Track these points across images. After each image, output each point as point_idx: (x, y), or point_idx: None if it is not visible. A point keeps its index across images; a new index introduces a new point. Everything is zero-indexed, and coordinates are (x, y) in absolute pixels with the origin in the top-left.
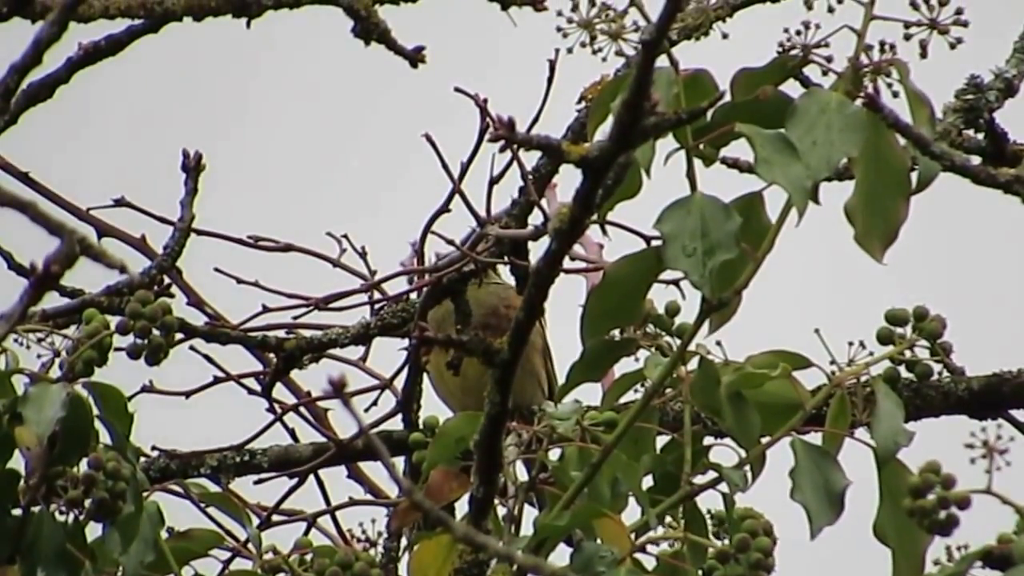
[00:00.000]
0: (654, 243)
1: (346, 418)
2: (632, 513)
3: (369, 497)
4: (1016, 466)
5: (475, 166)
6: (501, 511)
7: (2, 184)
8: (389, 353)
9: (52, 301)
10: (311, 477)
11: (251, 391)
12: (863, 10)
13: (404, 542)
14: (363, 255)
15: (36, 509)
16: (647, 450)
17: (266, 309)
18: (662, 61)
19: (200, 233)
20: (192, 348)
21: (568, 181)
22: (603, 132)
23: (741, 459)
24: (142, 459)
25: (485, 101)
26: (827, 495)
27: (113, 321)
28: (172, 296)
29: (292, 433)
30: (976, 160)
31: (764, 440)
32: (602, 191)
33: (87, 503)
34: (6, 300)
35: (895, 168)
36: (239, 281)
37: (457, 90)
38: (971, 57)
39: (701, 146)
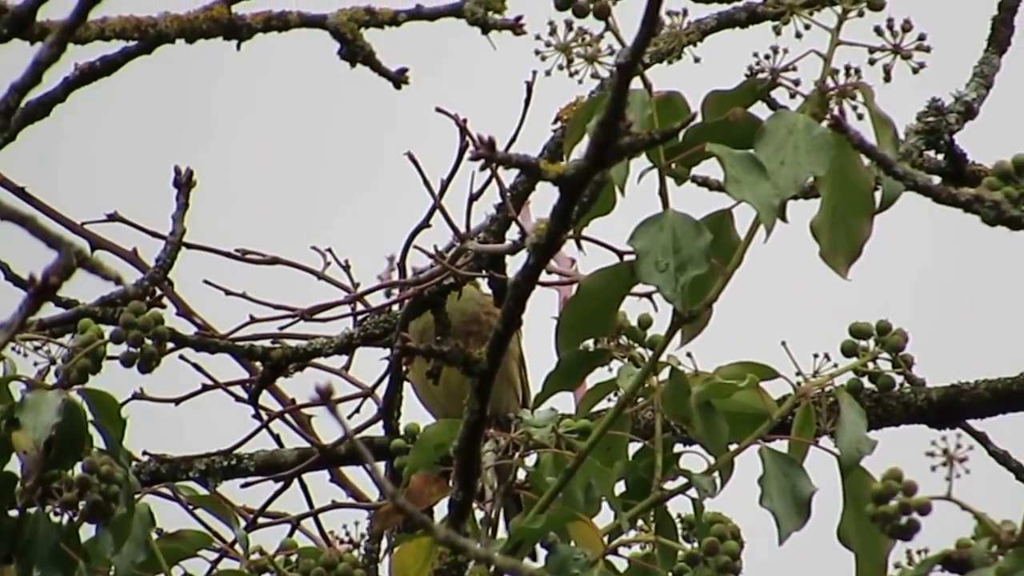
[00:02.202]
0: (627, 258)
1: (330, 424)
2: (605, 517)
3: (351, 500)
4: (974, 474)
5: (455, 183)
6: (479, 514)
7: (1, 199)
8: (371, 362)
9: (48, 311)
10: (295, 481)
11: (238, 398)
12: (829, 36)
13: (385, 544)
14: (346, 268)
15: (32, 511)
16: (620, 456)
17: (253, 320)
18: (636, 83)
19: (190, 247)
20: (182, 357)
21: (544, 198)
22: (579, 151)
23: (710, 466)
24: (134, 463)
25: (465, 121)
26: (794, 501)
27: (107, 331)
28: (163, 307)
29: (277, 439)
30: (937, 180)
31: (732, 448)
32: (578, 208)
33: (81, 505)
34: (4, 310)
35: (859, 187)
36: (227, 293)
37: (439, 110)
38: (933, 81)
39: (673, 165)
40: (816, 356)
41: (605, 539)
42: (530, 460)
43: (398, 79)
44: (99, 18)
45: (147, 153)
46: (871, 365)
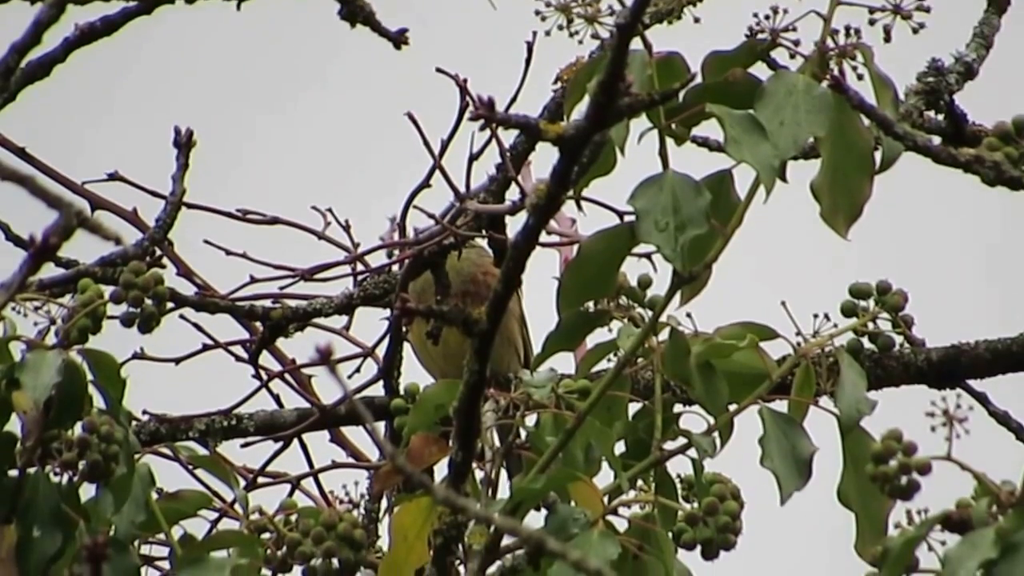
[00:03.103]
0: (628, 219)
1: (329, 384)
2: (605, 477)
3: (351, 460)
4: (974, 434)
5: (455, 144)
6: (479, 475)
7: (1, 159)
8: (371, 322)
9: (48, 271)
10: (295, 441)
11: (238, 358)
12: None
13: (385, 504)
14: (347, 228)
15: (32, 471)
16: (619, 417)
17: (253, 280)
18: (636, 44)
19: (190, 206)
20: (182, 317)
21: (544, 159)
22: (579, 112)
23: (710, 426)
24: (133, 423)
25: (465, 81)
26: (795, 461)
27: (107, 291)
28: (163, 267)
29: (277, 399)
30: (937, 140)
31: (732, 408)
32: (578, 168)
33: (81, 465)
34: (5, 270)
35: (859, 148)
36: (228, 253)
37: (439, 71)
38: (932, 41)
39: (673, 126)
40: (816, 316)
41: (605, 499)
42: (530, 420)
43: (398, 39)
44: None
45: (147, 113)
46: (871, 325)
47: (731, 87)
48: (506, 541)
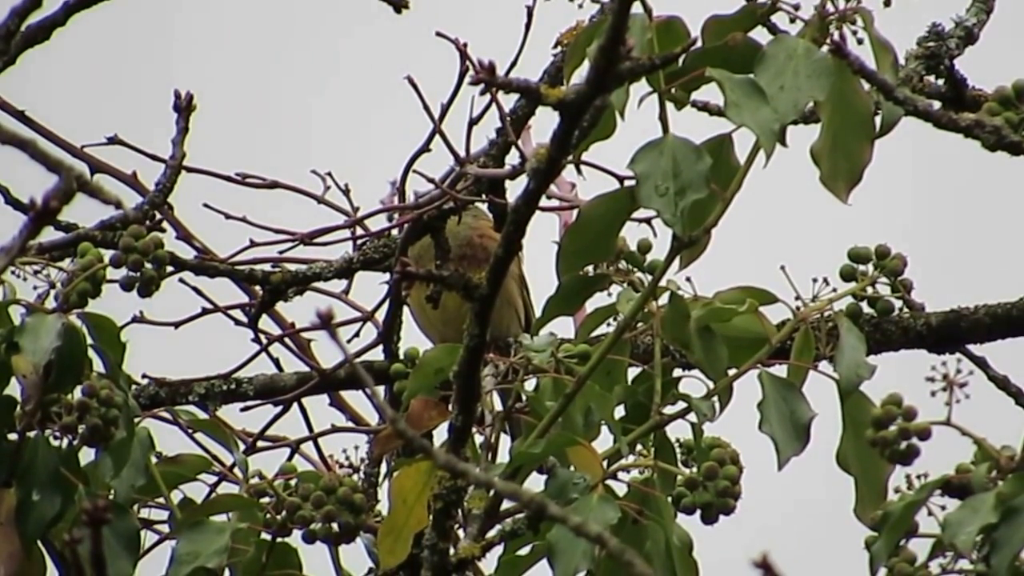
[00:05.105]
0: (628, 183)
1: (329, 348)
2: (604, 441)
3: (351, 424)
4: (974, 399)
5: (455, 108)
6: (478, 439)
7: (1, 123)
8: (371, 287)
9: (48, 235)
10: (295, 405)
11: (238, 322)
12: None
13: (385, 468)
14: (346, 192)
15: (32, 434)
16: (619, 381)
17: (253, 244)
18: (636, 8)
19: (190, 170)
20: (182, 281)
21: (545, 123)
22: (579, 76)
23: (709, 390)
24: (133, 387)
25: (466, 45)
26: (793, 426)
27: (107, 254)
28: (163, 231)
29: (277, 363)
30: (937, 105)
31: (731, 372)
32: (578, 133)
33: (81, 429)
34: (5, 234)
35: (859, 112)
36: (227, 217)
37: (439, 35)
38: (933, 6)
39: (673, 90)
40: (815, 281)
41: (604, 463)
42: (530, 385)
43: (398, 3)
44: None
45: (147, 77)
46: (870, 290)
47: (731, 51)
48: (506, 505)
